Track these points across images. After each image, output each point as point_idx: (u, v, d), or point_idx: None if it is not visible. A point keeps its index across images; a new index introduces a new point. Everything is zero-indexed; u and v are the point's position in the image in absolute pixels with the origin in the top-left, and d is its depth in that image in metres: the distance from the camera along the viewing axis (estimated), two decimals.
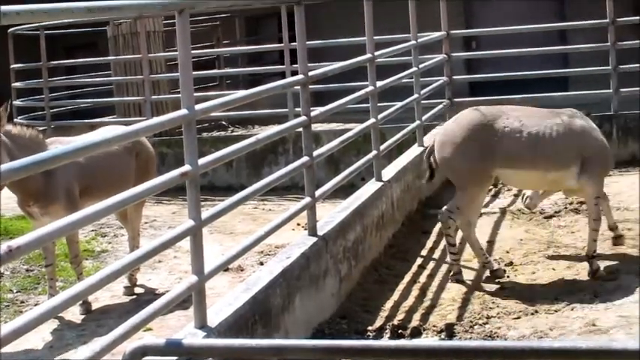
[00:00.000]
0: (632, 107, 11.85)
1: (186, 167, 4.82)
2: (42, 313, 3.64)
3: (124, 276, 7.71)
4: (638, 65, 12.13)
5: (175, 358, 3.56)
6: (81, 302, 7.33)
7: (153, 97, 13.64)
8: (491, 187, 10.98)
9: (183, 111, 4.84)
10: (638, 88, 11.85)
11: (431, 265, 7.95)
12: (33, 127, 7.65)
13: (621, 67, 11.88)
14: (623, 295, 6.74)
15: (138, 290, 8.12)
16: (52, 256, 7.72)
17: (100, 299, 7.80)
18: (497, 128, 7.36)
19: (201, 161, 5.01)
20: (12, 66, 14.61)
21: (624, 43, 12.06)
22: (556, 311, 6.57)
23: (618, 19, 11.99)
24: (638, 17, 13.13)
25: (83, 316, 7.45)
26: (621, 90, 11.77)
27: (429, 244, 8.62)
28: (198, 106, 4.98)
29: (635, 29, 14.34)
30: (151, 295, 7.79)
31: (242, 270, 8.38)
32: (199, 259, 4.92)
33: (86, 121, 13.78)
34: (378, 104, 8.74)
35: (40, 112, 14.77)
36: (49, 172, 6.75)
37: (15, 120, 13.53)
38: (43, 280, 8.22)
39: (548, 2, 18.07)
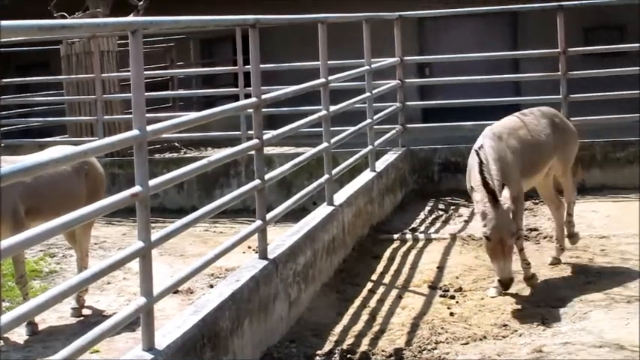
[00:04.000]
0: (582, 136, 12.00)
1: (137, 188, 4.80)
2: None
3: (71, 297, 7.65)
4: (587, 95, 12.29)
5: None
6: (27, 323, 7.25)
7: (105, 117, 13.56)
8: (441, 212, 11.08)
9: (135, 132, 4.82)
10: (587, 117, 11.99)
11: (381, 289, 7.96)
12: None
13: (572, 96, 12.01)
14: (570, 322, 6.80)
15: (86, 312, 8.04)
16: None
17: (46, 320, 7.71)
18: None
19: (152, 182, 4.99)
20: None
21: (575, 72, 12.21)
22: (504, 337, 6.60)
23: (569, 49, 12.14)
24: (588, 47, 13.31)
25: (29, 338, 7.36)
26: (571, 119, 11.90)
27: (380, 268, 8.63)
28: (149, 127, 4.96)
29: (585, 59, 14.55)
30: (99, 316, 7.72)
31: (192, 292, 8.33)
32: (148, 280, 4.89)
33: (36, 140, 13.67)
34: (331, 128, 8.77)
35: None
36: None
37: None
38: None
39: (502, 31, 18.27)
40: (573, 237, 8.61)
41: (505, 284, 7.20)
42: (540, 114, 8.44)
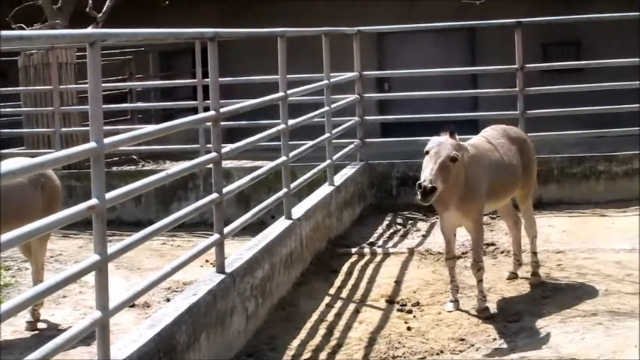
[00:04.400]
0: (539, 151, 12.11)
1: (93, 201, 4.77)
2: None
3: (26, 310, 7.58)
4: (545, 110, 12.40)
5: None
6: None
7: (63, 129, 13.47)
8: (399, 227, 11.11)
9: (92, 144, 4.79)
10: (544, 133, 12.10)
11: (338, 303, 7.96)
12: None
13: (529, 112, 12.10)
14: (526, 337, 6.83)
15: (41, 325, 7.96)
16: None
17: (1, 334, 7.63)
18: None
19: (109, 195, 4.96)
20: None
21: (532, 88, 12.30)
22: (461, 352, 6.63)
23: (527, 65, 12.23)
24: (545, 64, 13.42)
25: None
26: (528, 134, 12.00)
27: (337, 282, 8.63)
28: (107, 140, 4.94)
29: (542, 75, 14.69)
30: (54, 330, 7.65)
31: (148, 306, 8.28)
32: (104, 294, 4.85)
33: None
34: (290, 142, 8.77)
35: None
36: None
37: None
38: None
39: (461, 46, 18.40)
40: (536, 276, 8.39)
41: (423, 190, 6.84)
42: (509, 138, 8.21)
